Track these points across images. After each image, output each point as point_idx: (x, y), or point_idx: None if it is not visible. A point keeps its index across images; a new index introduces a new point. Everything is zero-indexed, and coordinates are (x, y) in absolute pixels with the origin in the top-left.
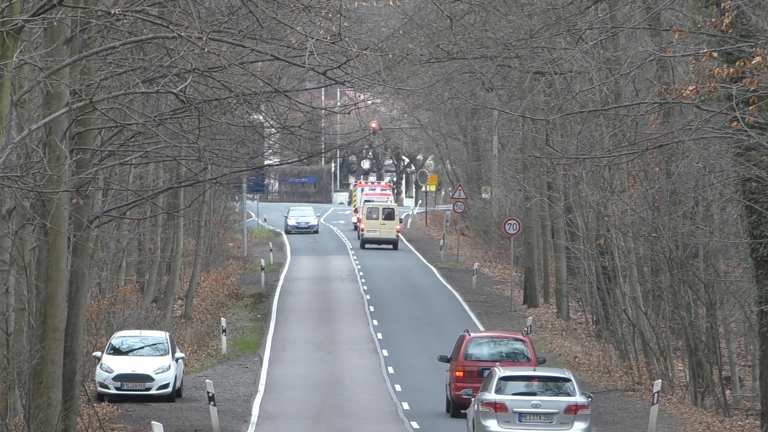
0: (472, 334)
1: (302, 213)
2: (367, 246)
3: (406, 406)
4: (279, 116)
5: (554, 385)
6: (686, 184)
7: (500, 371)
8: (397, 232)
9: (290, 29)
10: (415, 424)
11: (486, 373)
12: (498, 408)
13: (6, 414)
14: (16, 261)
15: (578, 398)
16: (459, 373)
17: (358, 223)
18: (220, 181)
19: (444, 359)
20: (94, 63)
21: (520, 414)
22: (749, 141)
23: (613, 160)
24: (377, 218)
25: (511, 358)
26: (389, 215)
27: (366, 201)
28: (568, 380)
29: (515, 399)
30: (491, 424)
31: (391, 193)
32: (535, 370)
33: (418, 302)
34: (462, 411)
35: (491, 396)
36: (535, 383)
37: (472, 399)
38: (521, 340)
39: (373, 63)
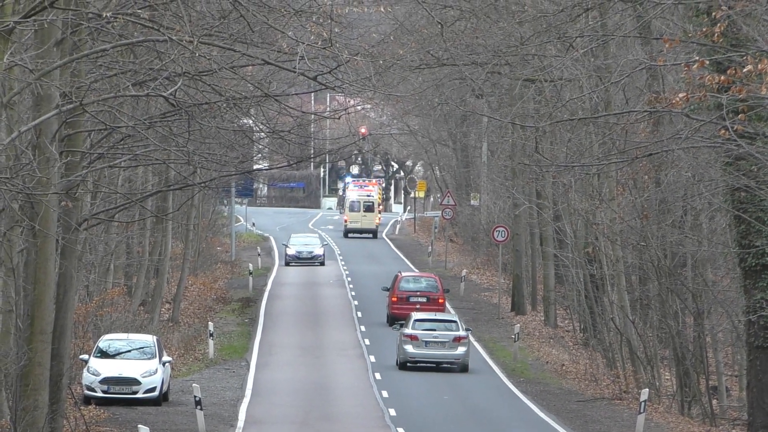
0: (403, 274)
1: (305, 241)
2: (350, 235)
3: (393, 412)
4: (269, 121)
5: (447, 324)
6: (675, 193)
7: (415, 315)
8: (377, 223)
9: (281, 34)
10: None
11: (411, 298)
12: (413, 338)
13: None
14: (4, 263)
15: (461, 332)
16: (394, 299)
17: (342, 214)
18: (209, 185)
19: (385, 289)
20: (84, 65)
21: (426, 341)
22: (738, 150)
23: (603, 169)
24: (359, 211)
25: (428, 289)
26: (369, 208)
27: (350, 196)
28: (455, 321)
29: (423, 332)
30: (409, 347)
31: (372, 189)
32: (435, 315)
33: None
34: (395, 323)
35: (409, 330)
36: (436, 323)
37: (399, 332)
38: (434, 278)
39: (364, 68)
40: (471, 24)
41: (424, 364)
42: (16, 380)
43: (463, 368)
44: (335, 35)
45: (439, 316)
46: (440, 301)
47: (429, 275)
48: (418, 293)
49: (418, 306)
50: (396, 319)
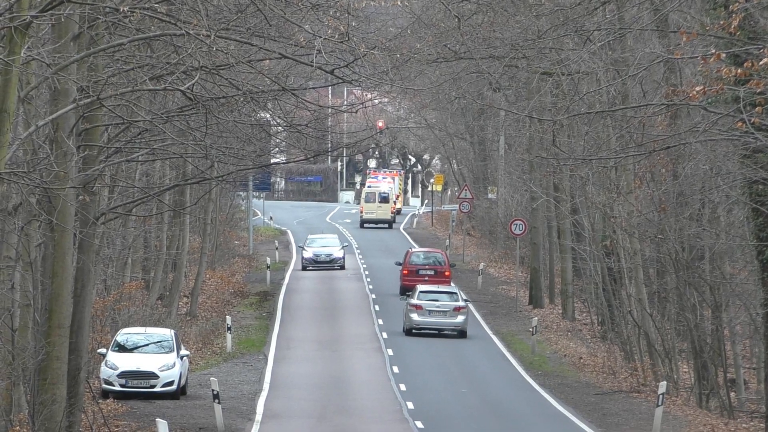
0: (413, 250)
1: (323, 242)
2: (365, 226)
3: (410, 405)
4: (286, 114)
5: (448, 295)
6: (693, 186)
7: (420, 287)
8: (392, 213)
9: (298, 28)
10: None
11: (420, 271)
12: (417, 307)
13: (11, 410)
14: (22, 257)
15: (460, 303)
16: (405, 272)
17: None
18: (226, 178)
19: (398, 264)
20: (101, 60)
21: (430, 310)
22: (756, 143)
23: (620, 162)
24: (374, 201)
25: (435, 263)
26: (384, 199)
27: (367, 187)
28: (455, 293)
29: (427, 302)
30: (414, 316)
31: (392, 181)
32: (438, 287)
33: None
34: (406, 293)
35: (414, 301)
36: (438, 294)
37: (405, 301)
38: (440, 253)
39: (381, 62)
40: (488, 17)
41: (428, 331)
42: (34, 374)
43: (462, 334)
44: (352, 29)
45: (441, 288)
46: (446, 273)
47: (436, 250)
48: (427, 266)
49: (426, 278)
50: (407, 290)
